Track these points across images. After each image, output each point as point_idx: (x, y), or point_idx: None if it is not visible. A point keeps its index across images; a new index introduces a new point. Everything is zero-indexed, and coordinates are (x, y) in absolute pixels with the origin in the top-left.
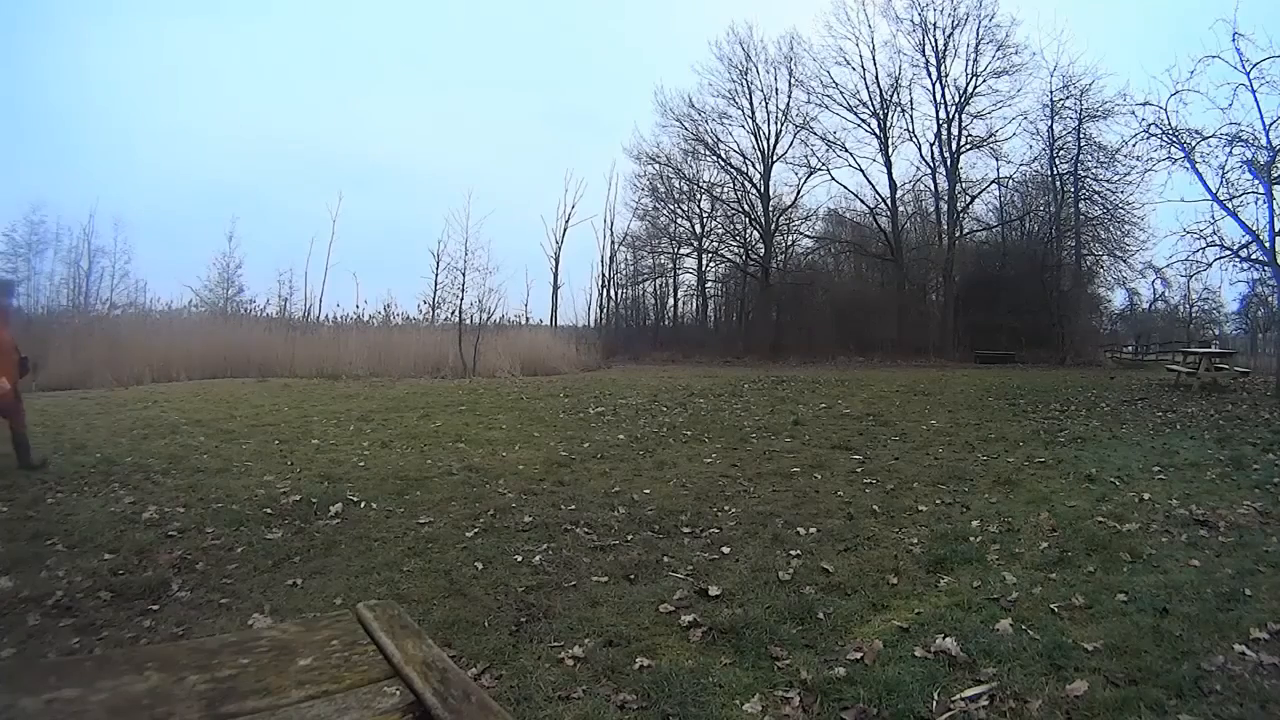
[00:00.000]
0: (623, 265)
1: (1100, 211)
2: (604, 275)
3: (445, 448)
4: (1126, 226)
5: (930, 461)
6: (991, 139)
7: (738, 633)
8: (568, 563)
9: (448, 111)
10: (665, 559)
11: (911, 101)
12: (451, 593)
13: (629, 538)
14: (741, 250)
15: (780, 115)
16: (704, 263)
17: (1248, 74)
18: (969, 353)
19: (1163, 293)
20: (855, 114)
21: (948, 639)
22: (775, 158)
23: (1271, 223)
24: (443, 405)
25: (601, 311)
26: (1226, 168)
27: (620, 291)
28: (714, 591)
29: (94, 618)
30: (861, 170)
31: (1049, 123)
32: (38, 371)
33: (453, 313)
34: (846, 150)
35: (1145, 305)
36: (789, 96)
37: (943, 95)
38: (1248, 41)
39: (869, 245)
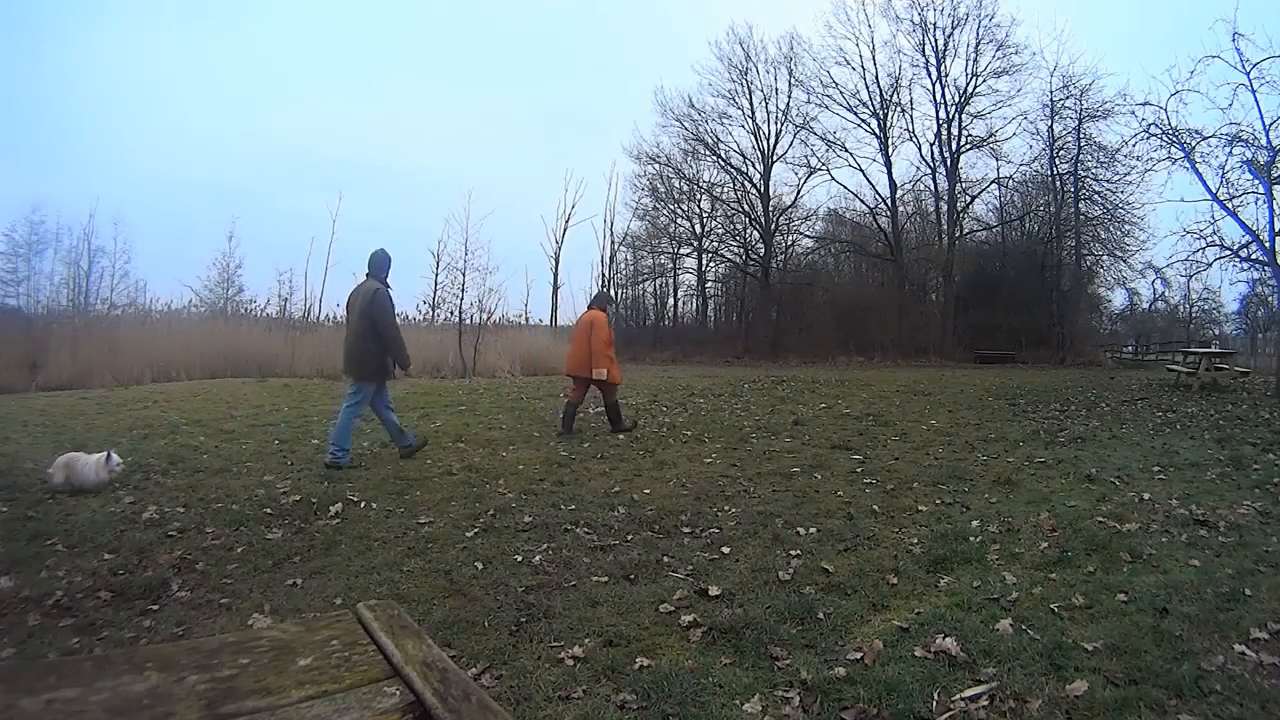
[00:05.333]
0: (623, 265)
1: (1100, 211)
2: (604, 275)
3: (445, 448)
4: (1126, 226)
5: (930, 461)
6: (991, 139)
7: (738, 633)
8: (568, 563)
9: (448, 112)
10: (665, 559)
11: (911, 101)
12: (451, 593)
13: (629, 538)
14: (741, 250)
15: (780, 115)
16: (704, 263)
17: (1248, 74)
18: (969, 353)
19: (1163, 293)
20: (855, 114)
21: (948, 639)
22: (775, 158)
23: (1271, 223)
24: (443, 405)
25: None
26: (1226, 168)
27: (620, 291)
28: (714, 591)
29: (94, 618)
30: (861, 170)
31: (1049, 123)
32: (36, 371)
33: (453, 313)
34: (846, 150)
35: (1145, 305)
36: (789, 96)
37: (943, 95)
38: (1248, 41)
39: (869, 245)
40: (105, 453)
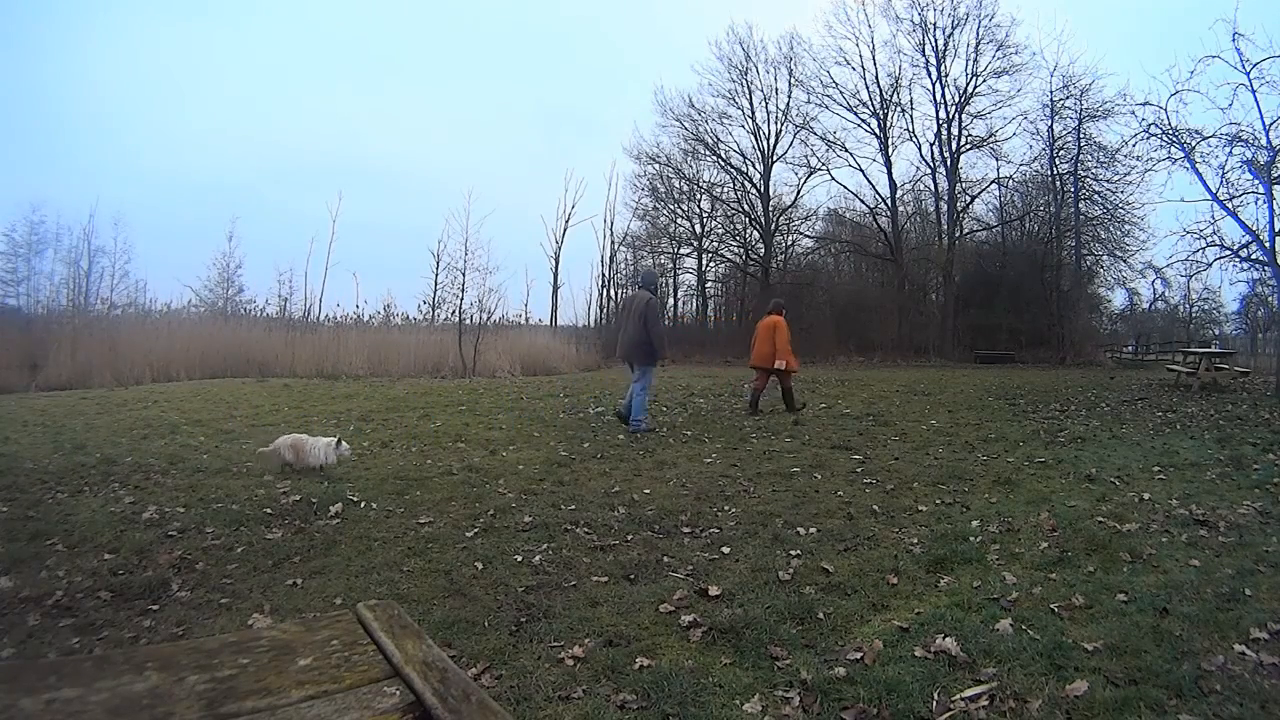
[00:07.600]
0: (623, 265)
1: (1100, 211)
2: (604, 275)
3: (445, 448)
4: (1126, 226)
5: (930, 461)
6: (991, 139)
7: (738, 633)
8: (568, 563)
9: (448, 112)
10: (665, 559)
11: (911, 101)
12: (451, 593)
13: (629, 538)
14: (741, 250)
15: (780, 115)
16: (704, 263)
17: (1248, 74)
18: (969, 353)
19: (1163, 293)
20: (855, 114)
21: (948, 639)
22: (775, 158)
23: (1271, 223)
24: (443, 405)
25: (601, 311)
26: (1226, 168)
27: (620, 291)
28: (714, 591)
29: (94, 618)
30: (861, 170)
31: (1049, 123)
32: (36, 371)
33: (453, 313)
34: (846, 150)
35: (1145, 305)
36: (789, 96)
37: (943, 95)
38: (1248, 41)
39: (869, 245)
40: (335, 438)
